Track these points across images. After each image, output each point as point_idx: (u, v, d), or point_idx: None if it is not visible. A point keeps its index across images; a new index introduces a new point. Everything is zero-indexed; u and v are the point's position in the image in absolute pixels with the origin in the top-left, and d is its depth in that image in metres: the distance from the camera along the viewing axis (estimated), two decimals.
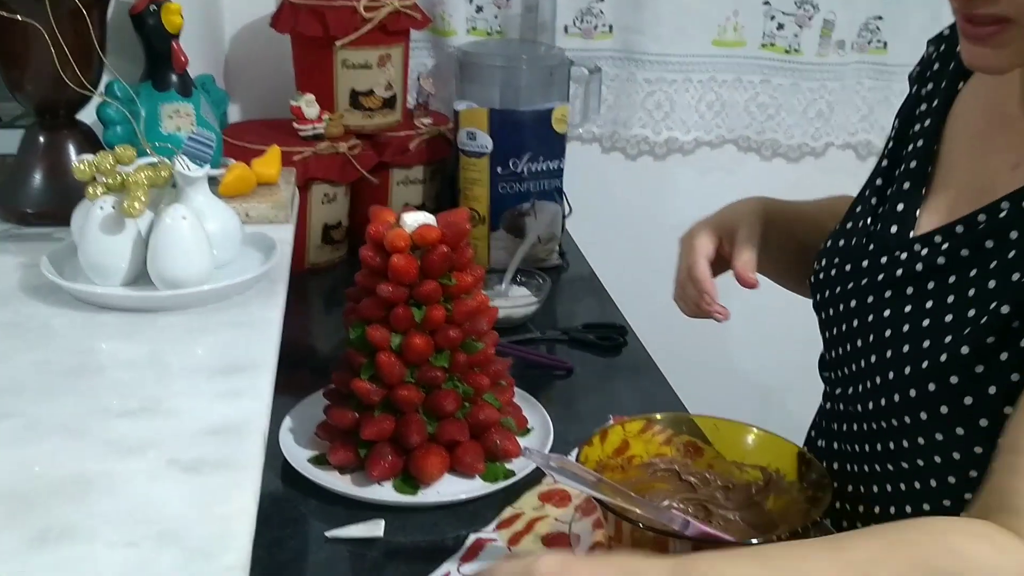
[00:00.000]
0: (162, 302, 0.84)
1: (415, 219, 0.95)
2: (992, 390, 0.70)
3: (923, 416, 0.75)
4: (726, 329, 1.99)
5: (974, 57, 0.72)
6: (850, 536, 0.64)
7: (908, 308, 0.78)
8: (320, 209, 1.47)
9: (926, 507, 0.80)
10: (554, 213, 1.54)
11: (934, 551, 0.61)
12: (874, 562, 0.60)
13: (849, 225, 0.90)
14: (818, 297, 0.92)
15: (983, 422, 0.71)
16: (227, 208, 0.95)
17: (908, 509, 0.81)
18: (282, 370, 1.22)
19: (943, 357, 0.72)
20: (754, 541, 0.81)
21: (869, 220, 0.87)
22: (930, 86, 0.89)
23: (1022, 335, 0.69)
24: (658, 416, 0.94)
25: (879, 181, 0.90)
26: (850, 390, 0.86)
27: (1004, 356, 0.70)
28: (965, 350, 0.71)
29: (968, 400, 0.72)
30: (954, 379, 0.72)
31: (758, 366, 1.97)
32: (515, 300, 1.36)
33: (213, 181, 1.08)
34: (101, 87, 1.14)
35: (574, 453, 0.87)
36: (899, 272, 0.80)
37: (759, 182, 1.89)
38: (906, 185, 0.85)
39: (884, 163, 0.91)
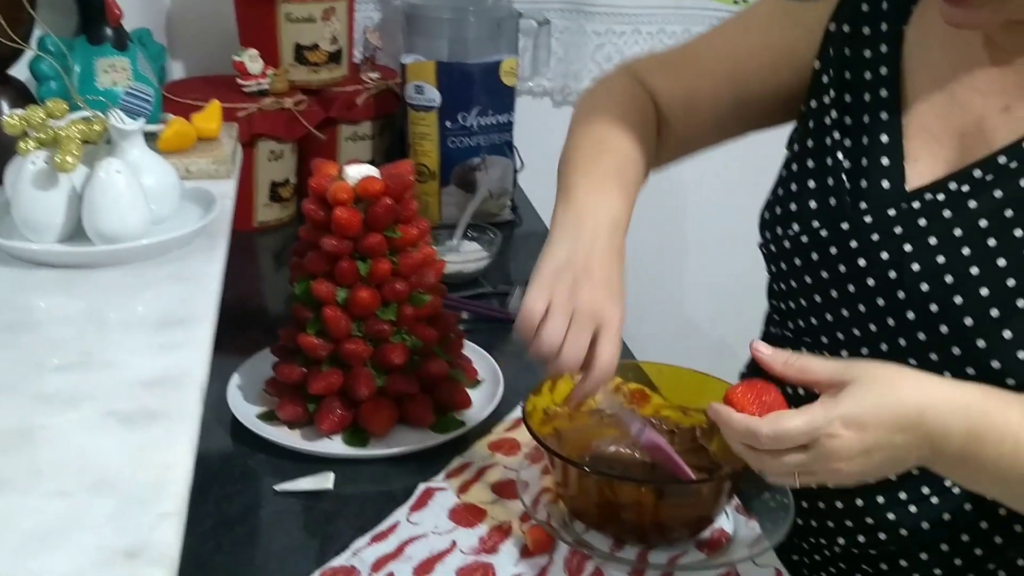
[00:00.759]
0: (99, 257, 0.83)
1: (358, 171, 0.94)
2: (1007, 334, 0.71)
3: (970, 372, 0.73)
4: (680, 282, 2.03)
5: (952, 17, 0.72)
6: None
7: (916, 267, 0.76)
8: (267, 166, 1.45)
9: None
10: (505, 167, 1.53)
11: None
12: None
13: (813, 185, 0.85)
14: (783, 266, 0.87)
15: (995, 364, 0.71)
16: (164, 162, 0.93)
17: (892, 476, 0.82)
18: (231, 329, 1.21)
19: (994, 312, 0.71)
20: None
21: (845, 177, 0.82)
22: (866, 29, 0.86)
23: None
24: None
25: (836, 134, 0.85)
26: (843, 352, 0.83)
27: (1022, 303, 0.70)
28: (1021, 303, 0.70)
29: (981, 343, 0.72)
30: (1008, 333, 0.71)
31: (712, 317, 2.00)
32: (466, 255, 1.36)
33: (152, 137, 1.06)
34: (34, 42, 1.11)
35: (521, 405, 0.87)
36: (898, 229, 0.77)
37: None
38: (884, 138, 0.82)
39: (833, 113, 0.86)
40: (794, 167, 0.89)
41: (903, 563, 0.84)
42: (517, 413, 0.98)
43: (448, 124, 1.46)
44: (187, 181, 1.01)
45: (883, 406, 0.63)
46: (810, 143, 0.88)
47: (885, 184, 0.81)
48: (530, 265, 1.45)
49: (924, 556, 0.83)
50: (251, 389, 1.02)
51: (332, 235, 0.93)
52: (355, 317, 0.95)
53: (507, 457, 0.95)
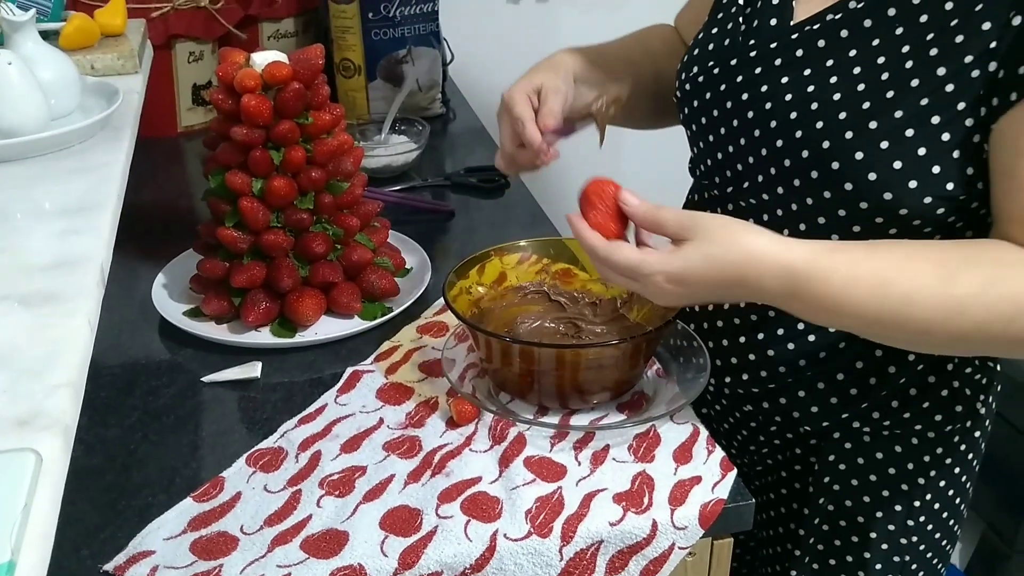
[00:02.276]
0: None
1: (265, 58, 0.92)
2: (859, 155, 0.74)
3: (826, 196, 0.76)
4: (616, 170, 2.02)
5: None
6: (959, 269, 0.69)
7: (789, 96, 0.78)
8: (187, 69, 1.42)
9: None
10: (433, 59, 1.50)
11: None
12: (973, 296, 0.68)
13: (715, 30, 0.89)
14: (686, 110, 0.90)
15: (848, 186, 0.75)
16: (62, 56, 0.90)
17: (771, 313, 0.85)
18: (158, 232, 1.20)
19: (848, 134, 0.74)
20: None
21: (741, 19, 0.86)
22: None
23: (897, 106, 0.72)
24: (522, 243, 0.95)
25: None
26: (729, 189, 0.86)
27: (874, 125, 0.73)
28: (873, 124, 0.73)
29: (835, 165, 0.75)
30: (860, 155, 0.73)
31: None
32: (394, 148, 1.35)
33: (53, 34, 1.03)
34: None
35: (442, 284, 0.88)
36: (778, 62, 0.80)
37: (642, 17, 1.86)
38: None
39: None
40: (706, 20, 0.91)
41: (783, 400, 0.88)
42: None
43: (370, 15, 1.42)
44: (94, 78, 0.98)
45: (709, 268, 0.69)
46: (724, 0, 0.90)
47: (773, 21, 0.83)
48: (468, 159, 1.46)
49: (802, 393, 0.87)
50: (176, 287, 1.02)
51: (242, 124, 0.91)
52: (273, 207, 0.94)
53: (435, 339, 0.96)
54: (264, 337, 0.95)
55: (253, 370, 0.90)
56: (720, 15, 0.89)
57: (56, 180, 0.79)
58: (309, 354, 0.94)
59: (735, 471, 0.77)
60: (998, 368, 0.89)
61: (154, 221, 1.23)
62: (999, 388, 0.90)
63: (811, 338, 0.84)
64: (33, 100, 0.81)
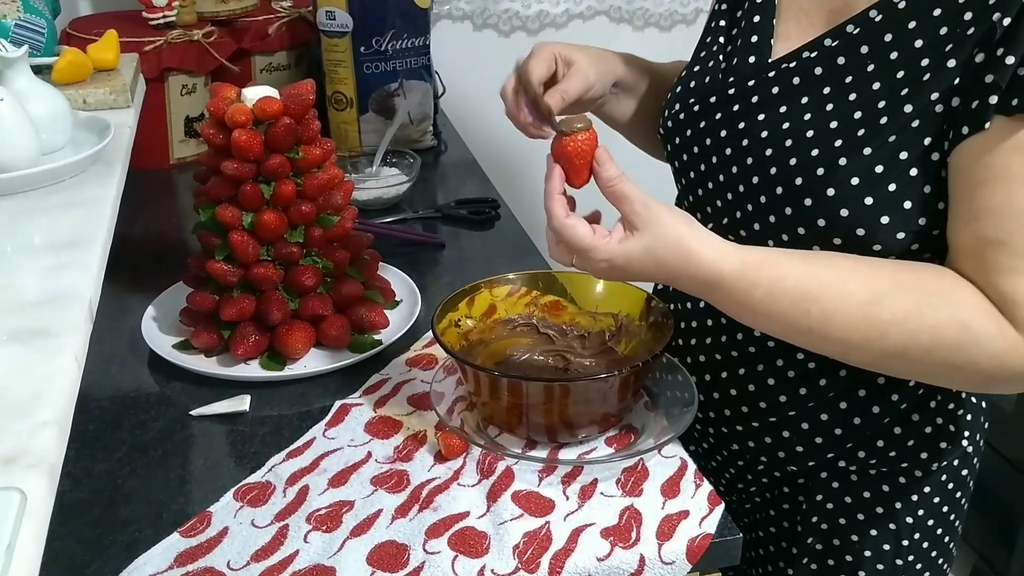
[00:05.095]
0: None
1: (256, 93, 0.93)
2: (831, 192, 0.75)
3: (800, 232, 0.77)
4: (603, 203, 2.04)
5: None
6: (887, 294, 0.71)
7: (765, 133, 0.79)
8: (180, 101, 1.42)
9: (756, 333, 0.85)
10: (424, 92, 1.52)
11: (947, 322, 0.69)
12: (896, 324, 0.70)
13: (697, 68, 0.90)
14: (669, 147, 0.91)
15: (821, 222, 0.75)
16: (54, 91, 0.91)
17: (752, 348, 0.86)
18: (149, 265, 1.20)
19: (820, 171, 0.75)
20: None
21: (721, 57, 0.88)
22: None
23: (866, 143, 0.73)
24: (511, 276, 0.96)
25: (722, 22, 0.90)
26: (710, 225, 0.85)
27: (844, 162, 0.74)
28: (843, 161, 0.74)
29: (808, 202, 0.76)
30: (831, 191, 0.74)
31: None
32: (385, 180, 1.36)
33: (46, 69, 1.03)
34: None
35: (431, 317, 0.88)
36: (755, 99, 0.81)
37: (633, 52, 1.90)
38: (756, 18, 0.86)
39: (723, 6, 0.91)
40: (689, 60, 0.93)
41: (767, 440, 0.88)
42: None
43: (362, 49, 1.43)
44: (86, 112, 0.98)
45: (649, 262, 0.73)
46: (708, 39, 0.92)
47: (751, 59, 0.84)
48: (459, 191, 1.46)
49: (786, 434, 0.87)
50: (166, 320, 1.02)
51: (233, 159, 0.92)
52: (263, 241, 0.95)
53: (424, 372, 0.96)
54: (253, 370, 0.95)
55: (242, 403, 0.90)
56: (703, 53, 0.91)
57: (46, 215, 0.80)
58: (298, 387, 0.94)
59: (723, 505, 0.77)
60: (983, 404, 0.89)
61: (145, 253, 1.23)
62: (986, 425, 0.91)
63: (790, 374, 0.84)
64: (24, 135, 0.82)
